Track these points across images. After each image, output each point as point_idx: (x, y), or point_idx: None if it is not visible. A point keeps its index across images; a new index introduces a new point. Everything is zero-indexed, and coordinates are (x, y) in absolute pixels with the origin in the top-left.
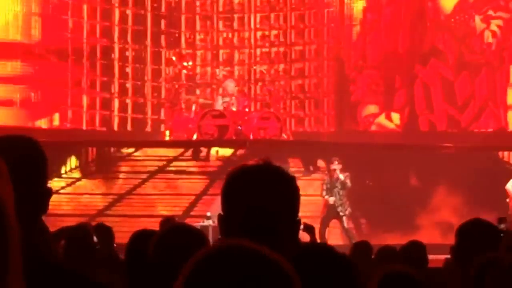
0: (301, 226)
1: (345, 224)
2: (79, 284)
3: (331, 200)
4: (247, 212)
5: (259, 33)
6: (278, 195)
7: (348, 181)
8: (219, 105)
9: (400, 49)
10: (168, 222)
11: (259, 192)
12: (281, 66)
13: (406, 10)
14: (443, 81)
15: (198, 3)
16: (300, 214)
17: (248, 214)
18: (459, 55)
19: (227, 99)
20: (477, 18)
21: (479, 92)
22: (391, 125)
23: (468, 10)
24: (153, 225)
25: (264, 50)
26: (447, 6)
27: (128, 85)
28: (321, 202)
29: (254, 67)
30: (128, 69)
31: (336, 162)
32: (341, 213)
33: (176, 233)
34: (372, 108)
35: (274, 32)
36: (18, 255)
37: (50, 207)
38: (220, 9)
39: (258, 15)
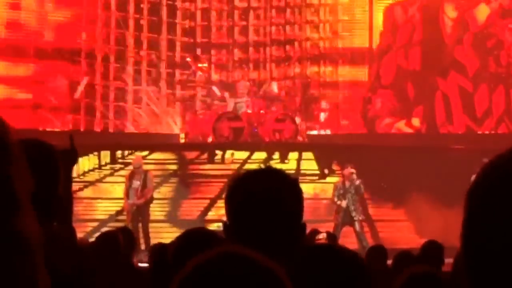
0: (324, 235)
1: (358, 229)
2: None
3: (344, 203)
4: (249, 217)
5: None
6: (281, 200)
7: (362, 187)
8: (231, 107)
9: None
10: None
11: (260, 197)
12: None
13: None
14: (461, 93)
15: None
16: (312, 217)
17: (250, 220)
18: (484, 66)
19: (239, 100)
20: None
21: (496, 106)
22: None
23: (500, 22)
24: (169, 230)
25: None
26: (481, 17)
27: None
28: (333, 206)
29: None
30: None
31: (350, 167)
32: (354, 218)
33: (194, 237)
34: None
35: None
36: (26, 193)
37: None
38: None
39: (274, 10)
